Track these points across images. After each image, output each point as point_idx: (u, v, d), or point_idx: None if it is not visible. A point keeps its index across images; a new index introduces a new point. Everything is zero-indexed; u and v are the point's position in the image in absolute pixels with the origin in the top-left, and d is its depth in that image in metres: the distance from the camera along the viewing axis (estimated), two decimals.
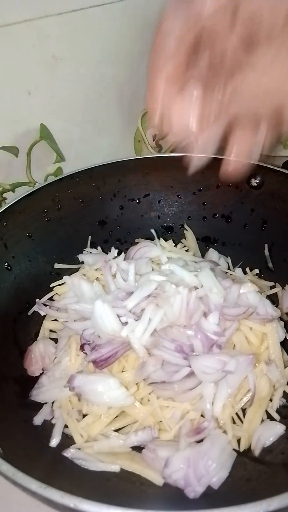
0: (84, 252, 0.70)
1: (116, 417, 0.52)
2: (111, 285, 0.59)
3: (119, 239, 0.75)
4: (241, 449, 0.49)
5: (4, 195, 0.76)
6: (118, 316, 0.54)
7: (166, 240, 0.73)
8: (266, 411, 0.52)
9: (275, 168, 0.69)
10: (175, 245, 0.74)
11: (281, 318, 0.61)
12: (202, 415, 0.51)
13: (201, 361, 0.50)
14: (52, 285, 0.66)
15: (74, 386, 0.50)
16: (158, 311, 0.53)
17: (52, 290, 0.65)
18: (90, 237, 0.73)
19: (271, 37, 0.35)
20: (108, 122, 0.90)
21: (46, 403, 0.54)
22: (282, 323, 0.60)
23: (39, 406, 0.54)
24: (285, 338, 0.58)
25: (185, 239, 0.75)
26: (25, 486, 0.36)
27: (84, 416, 0.52)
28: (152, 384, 0.51)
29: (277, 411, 0.53)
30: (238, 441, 0.50)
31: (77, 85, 0.81)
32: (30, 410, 0.53)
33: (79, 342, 0.56)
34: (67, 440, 0.51)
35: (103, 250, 0.73)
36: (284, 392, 0.54)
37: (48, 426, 0.52)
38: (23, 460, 0.43)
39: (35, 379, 0.56)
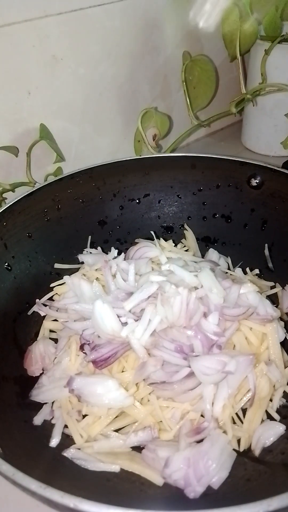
0: (84, 252, 0.70)
1: (116, 417, 0.52)
2: (111, 285, 0.59)
3: (119, 239, 0.75)
4: (241, 449, 0.49)
5: (4, 195, 0.76)
6: (118, 316, 0.54)
7: (166, 240, 0.73)
8: (266, 411, 0.52)
9: (275, 168, 0.69)
10: (175, 245, 0.74)
11: (281, 318, 0.61)
12: (202, 415, 0.51)
13: (201, 362, 0.50)
14: (52, 285, 0.66)
15: (73, 388, 0.49)
16: (157, 312, 0.53)
17: (52, 290, 0.65)
18: (90, 237, 0.73)
19: None
20: (108, 122, 0.90)
21: (46, 403, 0.54)
22: (282, 323, 0.60)
23: (39, 406, 0.54)
24: (285, 338, 0.58)
25: (185, 239, 0.75)
26: (25, 486, 0.36)
27: (84, 416, 0.52)
28: (152, 384, 0.51)
29: (277, 411, 0.53)
30: (238, 441, 0.50)
31: (77, 85, 0.82)
32: (30, 410, 0.53)
33: (79, 342, 0.56)
34: (67, 440, 0.51)
35: (103, 250, 0.73)
36: (284, 392, 0.54)
37: (48, 426, 0.52)
38: (23, 460, 0.43)
39: (35, 379, 0.56)
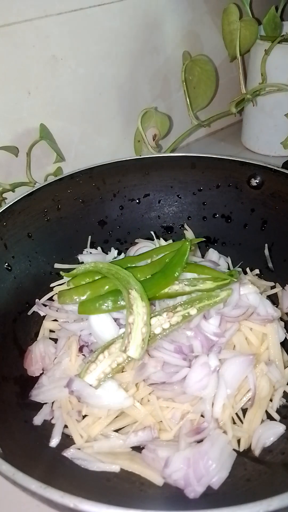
0: (84, 252, 0.70)
1: (116, 417, 0.52)
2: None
3: (119, 239, 0.75)
4: (241, 449, 0.49)
5: (4, 195, 0.76)
6: (116, 319, 0.54)
7: (166, 240, 0.73)
8: (266, 411, 0.52)
9: (275, 168, 0.69)
10: None
11: (281, 319, 0.61)
12: (202, 416, 0.51)
13: (193, 381, 0.49)
14: (52, 285, 0.66)
15: (72, 390, 0.49)
16: None
17: (52, 290, 0.65)
18: (90, 237, 0.73)
19: None
20: (108, 122, 0.90)
21: (46, 403, 0.54)
22: (282, 323, 0.60)
23: (39, 406, 0.54)
24: (285, 338, 0.58)
25: (185, 239, 0.75)
26: (25, 486, 0.36)
27: (84, 416, 0.52)
28: (152, 385, 0.51)
29: (277, 411, 0.53)
30: (238, 441, 0.50)
31: (77, 85, 0.82)
32: (30, 410, 0.53)
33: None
34: (67, 440, 0.51)
35: (103, 250, 0.73)
36: (284, 392, 0.54)
37: (48, 426, 0.52)
38: (23, 460, 0.43)
39: (35, 379, 0.56)
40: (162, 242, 0.71)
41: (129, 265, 0.60)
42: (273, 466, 0.47)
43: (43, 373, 0.57)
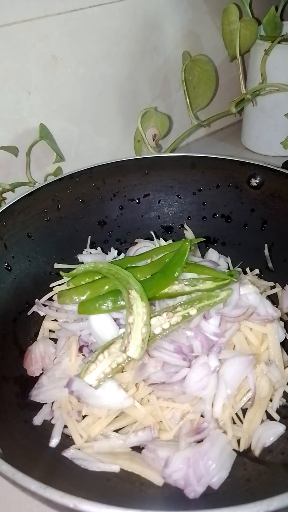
0: (84, 252, 0.70)
1: (116, 417, 0.52)
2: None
3: (119, 239, 0.75)
4: (241, 449, 0.49)
5: (4, 195, 0.76)
6: (116, 319, 0.54)
7: (166, 240, 0.73)
8: (266, 411, 0.52)
9: (275, 168, 0.69)
10: None
11: (281, 319, 0.61)
12: (202, 416, 0.51)
13: (193, 381, 0.49)
14: (52, 285, 0.66)
15: (72, 390, 0.49)
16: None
17: (52, 290, 0.65)
18: (90, 237, 0.73)
19: None
20: (108, 122, 0.90)
21: (46, 403, 0.54)
22: (282, 323, 0.60)
23: (39, 406, 0.54)
24: (285, 338, 0.58)
25: (185, 239, 0.75)
26: (25, 486, 0.36)
27: (84, 416, 0.52)
28: (152, 385, 0.51)
29: (277, 411, 0.53)
30: (238, 441, 0.50)
31: (77, 85, 0.82)
32: (30, 410, 0.53)
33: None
34: (67, 440, 0.51)
35: (103, 250, 0.73)
36: (284, 392, 0.54)
37: (48, 426, 0.52)
38: (23, 460, 0.43)
39: (35, 379, 0.56)
40: (162, 242, 0.72)
41: (129, 265, 0.60)
42: (273, 466, 0.47)
43: (43, 373, 0.57)
